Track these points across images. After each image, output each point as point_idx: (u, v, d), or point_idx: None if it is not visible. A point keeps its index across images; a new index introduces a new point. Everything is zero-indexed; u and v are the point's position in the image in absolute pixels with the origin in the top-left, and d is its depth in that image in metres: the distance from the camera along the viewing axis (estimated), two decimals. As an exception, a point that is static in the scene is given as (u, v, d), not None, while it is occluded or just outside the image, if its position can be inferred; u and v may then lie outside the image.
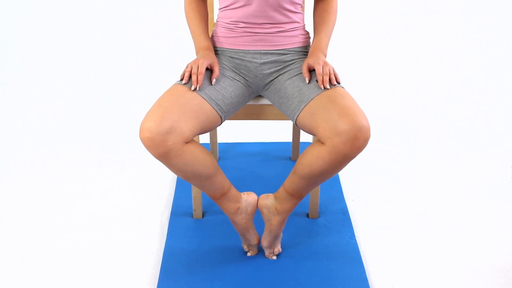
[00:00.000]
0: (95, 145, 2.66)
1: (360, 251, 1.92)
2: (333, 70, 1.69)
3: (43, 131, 2.78)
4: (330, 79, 1.67)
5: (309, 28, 2.69)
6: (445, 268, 1.86)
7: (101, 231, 2.04)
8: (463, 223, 2.09)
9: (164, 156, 1.57)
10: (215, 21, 2.13)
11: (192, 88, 1.65)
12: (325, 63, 1.69)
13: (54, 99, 3.11)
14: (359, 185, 2.33)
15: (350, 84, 3.27)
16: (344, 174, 2.40)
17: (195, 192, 2.04)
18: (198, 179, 1.67)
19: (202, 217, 2.09)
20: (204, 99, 1.66)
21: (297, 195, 1.74)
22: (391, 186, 2.32)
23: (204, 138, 2.70)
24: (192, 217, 2.09)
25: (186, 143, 1.59)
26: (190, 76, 1.68)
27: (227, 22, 1.80)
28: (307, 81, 1.69)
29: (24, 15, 3.67)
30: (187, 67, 1.69)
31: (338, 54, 3.48)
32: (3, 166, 2.47)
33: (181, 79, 1.69)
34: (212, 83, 1.70)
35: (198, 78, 1.65)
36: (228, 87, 1.74)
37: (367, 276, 1.80)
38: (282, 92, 1.76)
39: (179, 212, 2.12)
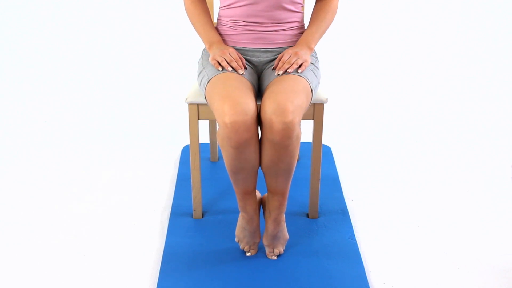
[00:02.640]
0: (95, 145, 2.65)
1: (360, 251, 1.91)
2: (302, 61, 1.69)
3: (43, 130, 2.78)
4: (289, 68, 1.68)
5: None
6: (445, 268, 1.85)
7: (101, 231, 2.04)
8: (463, 223, 2.09)
9: (247, 141, 1.55)
10: (215, 20, 2.13)
11: (240, 72, 1.67)
12: (295, 53, 1.69)
13: (55, 99, 3.11)
14: (359, 185, 2.32)
15: (350, 84, 3.27)
16: (344, 174, 2.40)
17: (195, 192, 2.03)
18: (252, 169, 1.66)
19: (202, 217, 2.09)
20: (250, 84, 1.69)
21: (274, 191, 1.74)
22: (391, 186, 2.32)
23: (204, 138, 2.70)
24: (192, 217, 2.09)
25: None
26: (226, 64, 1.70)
27: (228, 20, 1.81)
28: (272, 68, 1.72)
29: (25, 15, 3.67)
30: (216, 59, 1.70)
31: (338, 54, 3.48)
32: (2, 166, 2.47)
33: (222, 69, 1.69)
34: (246, 67, 1.73)
35: (239, 64, 1.68)
36: (253, 73, 1.77)
37: (367, 276, 1.80)
38: (262, 85, 1.79)
39: (179, 212, 2.11)
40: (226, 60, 1.70)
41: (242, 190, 1.73)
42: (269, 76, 1.72)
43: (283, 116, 1.51)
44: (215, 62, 1.71)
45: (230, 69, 1.68)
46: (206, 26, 1.83)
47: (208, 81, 1.69)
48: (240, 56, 1.75)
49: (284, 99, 1.53)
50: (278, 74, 1.66)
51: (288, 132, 1.53)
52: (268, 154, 1.61)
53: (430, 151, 2.61)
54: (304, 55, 1.71)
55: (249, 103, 1.54)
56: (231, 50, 1.73)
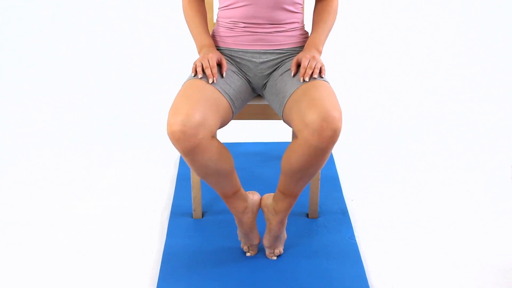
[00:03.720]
0: (95, 145, 2.66)
1: (360, 251, 1.92)
2: (320, 65, 1.68)
3: (43, 130, 2.78)
4: (313, 73, 1.66)
5: (308, 28, 2.69)
6: (445, 268, 1.86)
7: (101, 231, 2.04)
8: (463, 223, 2.09)
9: (192, 150, 1.55)
10: (214, 21, 2.13)
11: (210, 81, 1.65)
12: (313, 58, 1.68)
13: (55, 99, 3.11)
14: (359, 185, 2.33)
15: (350, 84, 3.27)
16: (344, 174, 2.40)
17: (195, 192, 2.04)
18: (217, 175, 1.65)
19: (202, 217, 2.09)
20: (220, 93, 1.67)
21: (289, 194, 1.73)
22: (391, 186, 2.32)
23: (204, 138, 2.69)
24: (192, 217, 2.09)
25: (212, 137, 1.60)
26: (202, 71, 1.68)
27: (227, 21, 1.80)
28: (292, 74, 1.70)
29: (25, 15, 3.67)
30: (195, 64, 1.69)
31: (338, 54, 3.48)
32: (2, 166, 2.47)
33: (195, 75, 1.69)
34: (223, 75, 1.70)
35: (213, 71, 1.66)
36: (236, 81, 1.75)
37: (367, 276, 1.80)
38: (273, 88, 1.77)
39: (179, 212, 2.12)
40: (203, 66, 1.69)
41: (220, 193, 1.74)
42: (291, 83, 1.69)
43: (333, 123, 1.52)
44: (194, 66, 1.71)
45: (200, 76, 1.67)
46: (198, 28, 1.82)
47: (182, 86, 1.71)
48: (223, 62, 1.72)
49: (331, 107, 1.54)
50: (305, 81, 1.65)
51: (335, 138, 1.55)
52: (302, 159, 1.60)
53: (430, 151, 2.61)
54: (319, 58, 1.71)
55: (191, 114, 1.54)
56: (211, 56, 1.70)
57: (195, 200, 2.05)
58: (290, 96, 1.65)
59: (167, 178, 2.37)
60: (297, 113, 1.59)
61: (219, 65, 1.73)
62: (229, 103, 1.68)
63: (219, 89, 1.67)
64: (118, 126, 2.83)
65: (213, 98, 1.63)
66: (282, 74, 1.76)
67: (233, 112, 1.71)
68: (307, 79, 1.64)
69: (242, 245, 1.89)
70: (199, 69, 1.67)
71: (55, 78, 3.31)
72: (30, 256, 1.91)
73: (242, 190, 1.78)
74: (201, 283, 1.75)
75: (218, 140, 1.63)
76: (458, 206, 2.19)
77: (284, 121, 1.71)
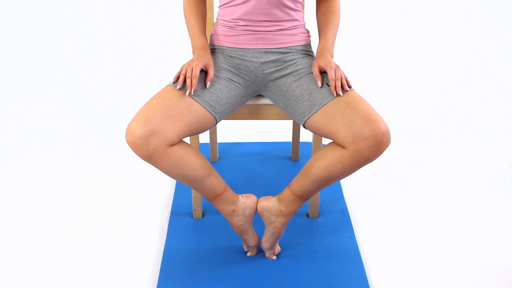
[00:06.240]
0: (95, 145, 2.66)
1: (360, 251, 1.92)
2: (344, 74, 1.70)
3: (44, 131, 2.78)
4: (342, 84, 1.68)
5: (309, 27, 2.69)
6: (445, 268, 1.86)
7: (101, 231, 2.04)
8: (463, 223, 2.09)
9: (148, 158, 1.60)
10: (215, 20, 2.13)
11: (187, 93, 1.64)
12: (337, 67, 1.70)
13: (55, 99, 3.11)
14: (359, 185, 2.33)
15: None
16: (344, 174, 2.40)
17: (195, 192, 2.03)
18: (186, 181, 1.68)
19: (202, 217, 2.09)
20: (195, 101, 1.66)
21: (306, 197, 1.74)
22: (391, 186, 2.32)
23: (204, 138, 2.70)
24: (192, 217, 2.09)
25: (172, 145, 1.60)
26: (184, 80, 1.67)
27: (227, 20, 1.79)
28: (320, 85, 1.70)
29: (25, 15, 3.67)
30: (181, 69, 1.68)
31: (337, 55, 3.48)
32: (3, 167, 2.47)
33: (174, 82, 1.69)
34: (207, 86, 1.69)
35: (193, 82, 1.65)
36: (223, 88, 1.73)
37: (367, 276, 1.80)
38: (289, 94, 1.75)
39: (179, 212, 2.12)
40: (187, 73, 1.67)
41: (201, 195, 1.78)
42: (319, 92, 1.69)
43: (389, 138, 1.61)
44: (177, 73, 1.69)
45: (178, 87, 1.66)
46: (195, 28, 1.81)
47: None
48: (209, 69, 1.71)
49: (382, 122, 1.60)
50: (339, 94, 1.67)
51: (383, 151, 1.64)
52: (346, 168, 1.63)
53: (430, 151, 2.61)
54: (338, 66, 1.72)
55: (141, 125, 1.57)
56: (196, 64, 1.68)
57: (195, 200, 2.05)
58: (324, 106, 1.66)
59: (167, 178, 2.37)
60: (348, 126, 1.60)
61: (206, 71, 1.72)
62: (207, 110, 1.68)
63: (195, 97, 1.66)
64: (118, 126, 2.83)
65: (179, 107, 1.63)
66: (298, 79, 1.75)
67: (215, 118, 1.71)
68: (341, 93, 1.66)
69: (243, 243, 1.89)
70: (181, 78, 1.66)
71: (55, 78, 3.31)
72: (30, 256, 1.91)
73: (229, 193, 1.76)
74: (201, 283, 1.75)
75: (183, 147, 1.63)
76: (458, 206, 2.19)
77: (306, 127, 1.71)
